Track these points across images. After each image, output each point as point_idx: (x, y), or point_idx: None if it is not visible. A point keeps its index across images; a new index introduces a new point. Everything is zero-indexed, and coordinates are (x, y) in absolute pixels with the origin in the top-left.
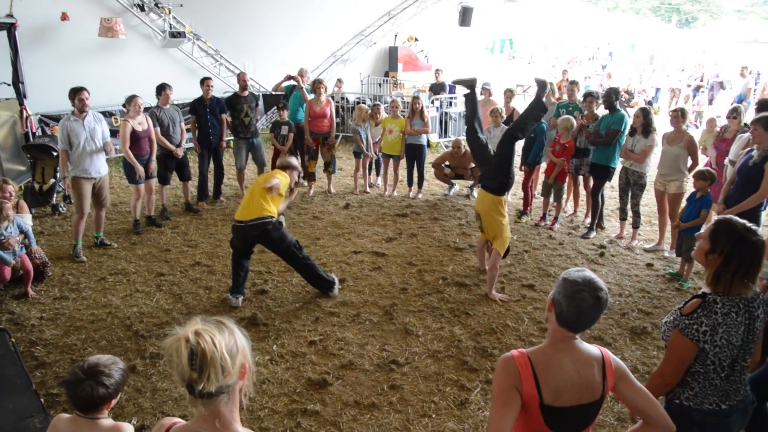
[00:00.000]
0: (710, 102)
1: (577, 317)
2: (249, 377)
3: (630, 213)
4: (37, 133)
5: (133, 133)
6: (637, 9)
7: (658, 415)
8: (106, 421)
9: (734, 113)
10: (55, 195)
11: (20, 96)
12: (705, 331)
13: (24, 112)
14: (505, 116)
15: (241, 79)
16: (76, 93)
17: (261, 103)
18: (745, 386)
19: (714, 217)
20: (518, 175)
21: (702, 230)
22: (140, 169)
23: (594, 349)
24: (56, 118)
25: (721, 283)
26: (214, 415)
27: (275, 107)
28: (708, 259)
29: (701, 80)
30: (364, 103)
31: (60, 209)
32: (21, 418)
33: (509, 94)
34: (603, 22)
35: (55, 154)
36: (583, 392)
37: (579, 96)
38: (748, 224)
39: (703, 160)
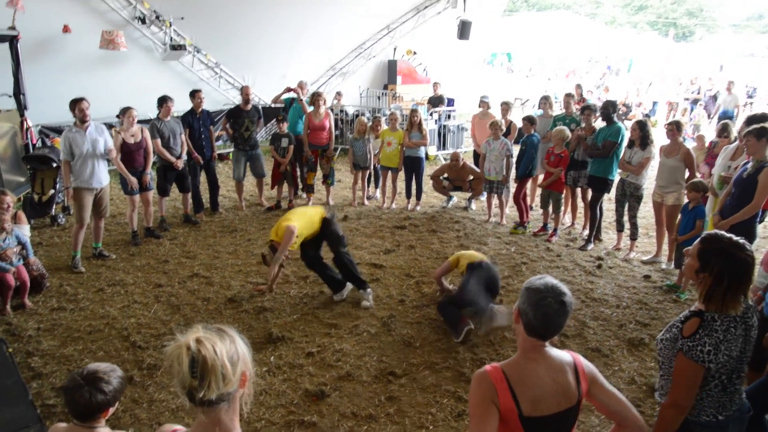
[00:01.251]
0: (709, 116)
1: (545, 324)
2: (249, 385)
3: (627, 225)
4: (37, 145)
5: (125, 145)
6: (634, 23)
7: (631, 416)
8: (104, 429)
9: (724, 132)
10: (54, 206)
11: (21, 107)
12: (709, 351)
13: (24, 123)
14: (504, 129)
15: (245, 92)
16: (75, 103)
17: (262, 116)
18: (741, 395)
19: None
20: (514, 187)
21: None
22: (132, 180)
23: (565, 355)
24: (57, 130)
25: (713, 302)
26: (214, 422)
27: (275, 119)
28: (699, 278)
29: (698, 93)
30: (364, 116)
31: (59, 220)
32: (17, 428)
33: (505, 106)
34: (601, 36)
35: (55, 165)
36: (561, 399)
37: (575, 108)
38: (735, 239)
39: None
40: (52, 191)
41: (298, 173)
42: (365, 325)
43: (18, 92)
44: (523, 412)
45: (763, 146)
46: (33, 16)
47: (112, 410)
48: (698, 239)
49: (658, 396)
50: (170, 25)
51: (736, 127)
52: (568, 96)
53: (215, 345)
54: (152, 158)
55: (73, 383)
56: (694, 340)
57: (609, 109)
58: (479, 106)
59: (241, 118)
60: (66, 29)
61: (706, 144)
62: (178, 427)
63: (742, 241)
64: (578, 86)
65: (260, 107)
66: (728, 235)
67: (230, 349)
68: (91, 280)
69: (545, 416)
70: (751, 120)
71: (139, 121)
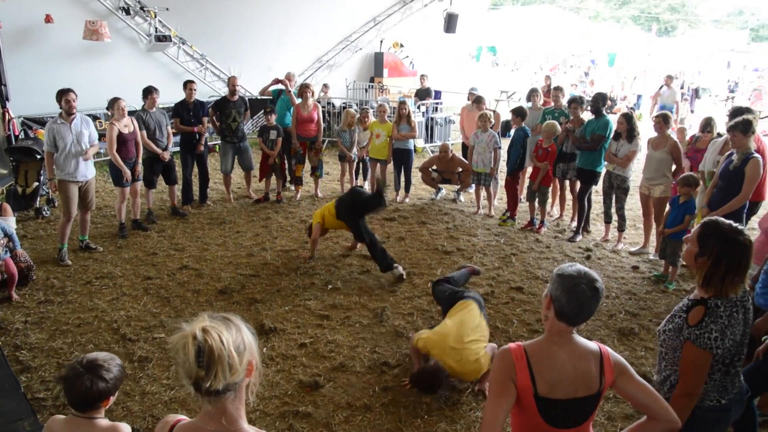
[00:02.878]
0: (692, 111)
1: (578, 310)
2: (256, 374)
3: (615, 216)
4: (19, 136)
5: (120, 135)
6: (617, 18)
7: (662, 409)
8: (103, 421)
9: (707, 127)
10: (38, 198)
11: (2, 98)
12: (716, 337)
13: (6, 114)
14: (492, 121)
15: (231, 83)
16: (62, 94)
17: (248, 107)
18: (740, 378)
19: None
20: (503, 180)
21: (690, 233)
22: (127, 172)
23: (592, 345)
24: (39, 121)
25: (712, 285)
26: (220, 412)
27: (262, 111)
28: (698, 263)
29: (681, 87)
30: (351, 108)
31: (44, 213)
32: (10, 421)
33: (477, 104)
34: (585, 31)
35: (38, 157)
36: (579, 385)
37: (564, 101)
38: (734, 224)
39: None
40: (36, 184)
41: (287, 165)
42: (357, 317)
43: None
44: (539, 392)
45: (748, 140)
46: (14, 6)
47: (112, 399)
48: (699, 225)
49: (659, 384)
50: (155, 16)
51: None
52: (557, 90)
53: (221, 334)
54: (142, 149)
55: (73, 372)
56: (701, 328)
57: (599, 101)
58: (468, 99)
59: (227, 109)
60: (48, 19)
61: (687, 137)
62: (181, 417)
63: (740, 227)
64: (547, 77)
65: (247, 99)
66: (727, 221)
67: (236, 339)
68: (78, 273)
69: (561, 400)
70: (735, 112)
71: (130, 113)
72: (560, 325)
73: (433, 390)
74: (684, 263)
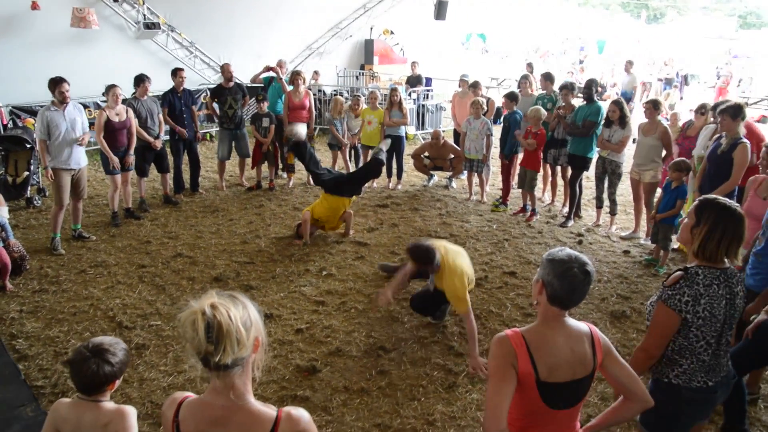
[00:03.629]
0: (681, 98)
1: (570, 294)
2: (262, 350)
3: (607, 201)
4: (8, 125)
5: (109, 123)
6: (606, 5)
7: (638, 390)
8: (109, 404)
9: (702, 109)
10: (29, 188)
11: None
12: (687, 301)
13: None
14: (485, 108)
15: (226, 70)
16: (56, 84)
17: (246, 93)
18: (728, 361)
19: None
20: (495, 166)
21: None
22: (114, 160)
23: (582, 325)
24: (27, 110)
25: (707, 249)
26: (228, 387)
27: (254, 99)
28: (693, 233)
29: (669, 75)
30: (341, 96)
31: (35, 202)
32: (12, 407)
33: (473, 89)
34: (574, 17)
35: (28, 146)
36: (577, 367)
37: (555, 87)
38: (729, 201)
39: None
40: (26, 173)
41: (279, 153)
42: (352, 302)
43: None
44: (541, 377)
45: (737, 124)
46: None
47: (118, 383)
48: (696, 201)
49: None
50: (143, 3)
51: (634, 113)
52: (545, 76)
53: (229, 310)
54: (135, 139)
55: (80, 356)
56: (673, 289)
57: (591, 87)
58: (459, 85)
59: (223, 96)
60: (35, 6)
61: (680, 124)
62: (188, 394)
63: (735, 204)
64: (529, 65)
65: (244, 85)
66: (723, 198)
67: (243, 315)
68: (72, 262)
69: (561, 383)
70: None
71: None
72: (553, 309)
73: (428, 258)
74: (676, 246)
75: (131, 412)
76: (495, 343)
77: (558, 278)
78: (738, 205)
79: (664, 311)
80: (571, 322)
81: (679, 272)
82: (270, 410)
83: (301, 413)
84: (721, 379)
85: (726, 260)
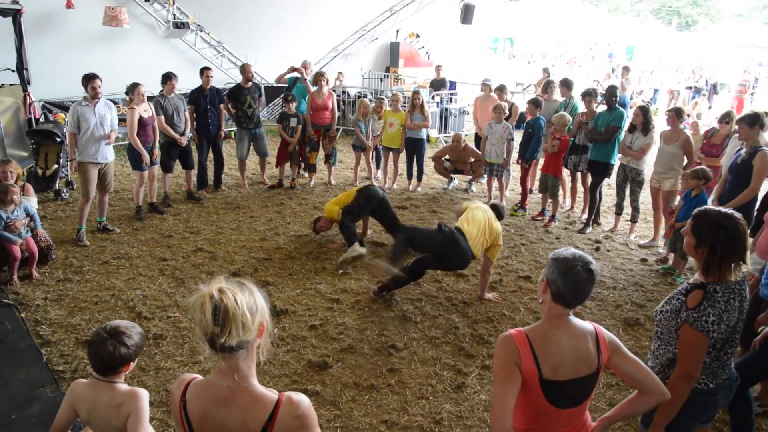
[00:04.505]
0: (710, 107)
1: (573, 292)
2: (266, 336)
3: (628, 209)
4: (40, 119)
5: (140, 120)
6: (637, 11)
7: (652, 383)
8: (123, 385)
9: (726, 117)
10: (57, 180)
11: (24, 82)
12: (713, 321)
13: (27, 98)
14: (507, 112)
15: (246, 70)
16: (89, 80)
17: (263, 94)
18: (731, 365)
19: None
20: (515, 171)
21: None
22: (146, 156)
23: (587, 324)
24: (59, 105)
25: (711, 272)
26: (233, 369)
27: (279, 98)
28: (697, 253)
29: (697, 82)
30: (365, 98)
31: (63, 195)
32: (33, 387)
33: (498, 92)
34: (604, 24)
35: (58, 140)
36: (581, 365)
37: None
38: (723, 210)
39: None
40: (55, 166)
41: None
42: (367, 301)
43: (21, 67)
44: (544, 376)
45: (755, 133)
46: None
47: (132, 365)
48: (690, 217)
49: (651, 362)
50: (173, 3)
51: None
52: (563, 83)
53: (236, 295)
54: (158, 134)
55: (98, 337)
56: (699, 312)
57: (612, 94)
58: (481, 90)
59: (242, 95)
60: (69, 4)
61: (702, 132)
62: (196, 376)
63: (730, 211)
64: (545, 70)
65: (261, 85)
66: (716, 208)
67: (249, 300)
68: (96, 253)
69: (564, 381)
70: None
71: (148, 98)
72: (557, 308)
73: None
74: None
75: (144, 394)
76: (499, 343)
77: (561, 276)
78: (733, 213)
79: (694, 335)
80: (576, 321)
81: (697, 290)
82: (272, 393)
83: (301, 398)
84: (722, 382)
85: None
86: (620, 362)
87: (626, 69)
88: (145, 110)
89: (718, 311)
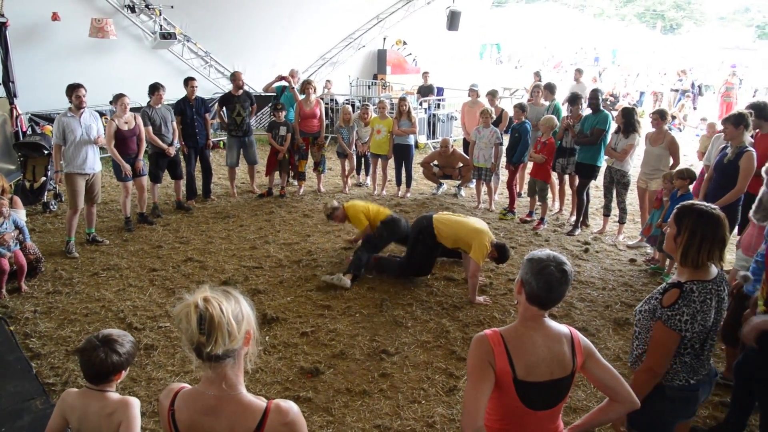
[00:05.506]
0: (694, 108)
1: (547, 292)
2: (253, 344)
3: (615, 210)
4: (27, 132)
5: (119, 132)
6: (622, 15)
7: (624, 392)
8: (114, 394)
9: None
10: (46, 193)
11: (10, 95)
12: (686, 320)
13: (14, 111)
14: (494, 117)
15: (236, 78)
16: (73, 89)
17: (254, 102)
18: (710, 361)
19: None
20: (503, 175)
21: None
22: (126, 167)
23: (563, 327)
24: (46, 117)
25: (689, 256)
26: (220, 377)
27: (268, 107)
28: (676, 242)
29: (683, 84)
30: (353, 105)
31: (51, 207)
32: (22, 400)
33: (490, 97)
34: (589, 28)
35: (46, 152)
36: (555, 367)
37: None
38: (706, 204)
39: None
40: (43, 178)
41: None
42: (358, 307)
43: (7, 80)
44: (518, 376)
45: (741, 133)
46: (22, 3)
47: (124, 374)
48: (675, 209)
49: (631, 365)
50: (160, 14)
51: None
52: (547, 87)
53: (221, 304)
54: (144, 145)
55: (89, 345)
56: (673, 310)
57: (597, 97)
58: (469, 95)
59: (232, 103)
60: (55, 17)
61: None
62: (184, 385)
63: (712, 205)
64: (536, 74)
65: (252, 94)
66: (698, 202)
67: (235, 309)
68: (85, 265)
69: (538, 382)
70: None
71: (131, 109)
72: (532, 309)
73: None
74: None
75: (135, 403)
76: (474, 343)
77: (535, 276)
78: (715, 207)
79: (665, 332)
80: (551, 323)
81: (674, 289)
82: (260, 401)
83: (290, 405)
84: (702, 377)
85: (711, 264)
86: (594, 368)
87: (578, 71)
88: (126, 122)
89: (693, 311)
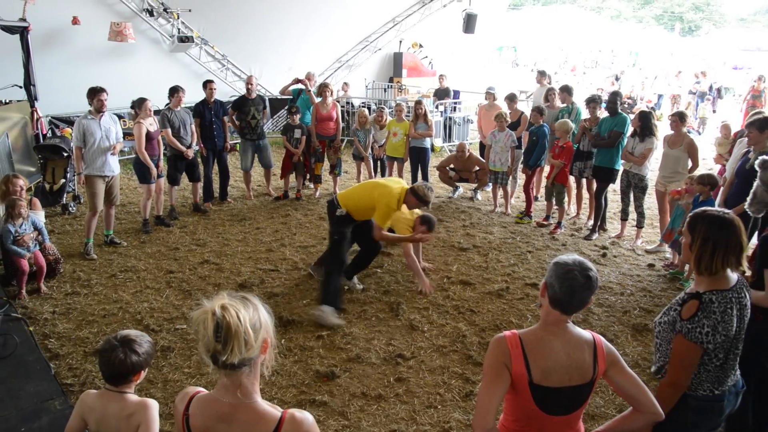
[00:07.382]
0: (714, 111)
1: (569, 297)
2: (271, 352)
3: (633, 214)
4: (47, 135)
5: (147, 133)
6: (640, 17)
7: (647, 401)
8: (134, 396)
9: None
10: (65, 195)
11: (31, 98)
12: (707, 332)
13: (35, 113)
14: (510, 120)
15: (248, 82)
16: (95, 93)
17: (267, 106)
18: (736, 371)
19: None
20: (520, 178)
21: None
22: (154, 170)
23: (586, 334)
24: (66, 120)
25: (703, 263)
26: (235, 385)
27: (284, 110)
28: (692, 251)
29: (701, 86)
30: (369, 108)
31: (70, 209)
32: (41, 400)
33: (508, 101)
34: (606, 31)
35: (65, 155)
36: (573, 374)
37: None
38: (719, 209)
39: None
40: (63, 180)
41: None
42: (373, 310)
43: (28, 83)
44: (534, 380)
45: (765, 138)
46: (43, 8)
47: (143, 374)
48: (688, 217)
49: (654, 374)
50: (177, 17)
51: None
52: (563, 89)
53: (239, 312)
54: (162, 146)
55: (108, 345)
56: (693, 323)
57: (615, 101)
58: (485, 98)
59: (246, 107)
60: (75, 21)
61: (732, 134)
62: (200, 389)
63: (726, 211)
64: (540, 73)
65: (266, 97)
66: (712, 208)
67: (253, 317)
68: (103, 267)
69: (555, 387)
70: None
71: (155, 112)
72: (554, 313)
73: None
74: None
75: (154, 405)
76: (492, 344)
77: (558, 280)
78: (729, 212)
79: (687, 345)
80: (574, 329)
81: (693, 300)
82: (275, 411)
83: (305, 416)
84: (727, 389)
85: (729, 271)
86: (617, 376)
87: (541, 74)
88: (151, 124)
89: (714, 322)
